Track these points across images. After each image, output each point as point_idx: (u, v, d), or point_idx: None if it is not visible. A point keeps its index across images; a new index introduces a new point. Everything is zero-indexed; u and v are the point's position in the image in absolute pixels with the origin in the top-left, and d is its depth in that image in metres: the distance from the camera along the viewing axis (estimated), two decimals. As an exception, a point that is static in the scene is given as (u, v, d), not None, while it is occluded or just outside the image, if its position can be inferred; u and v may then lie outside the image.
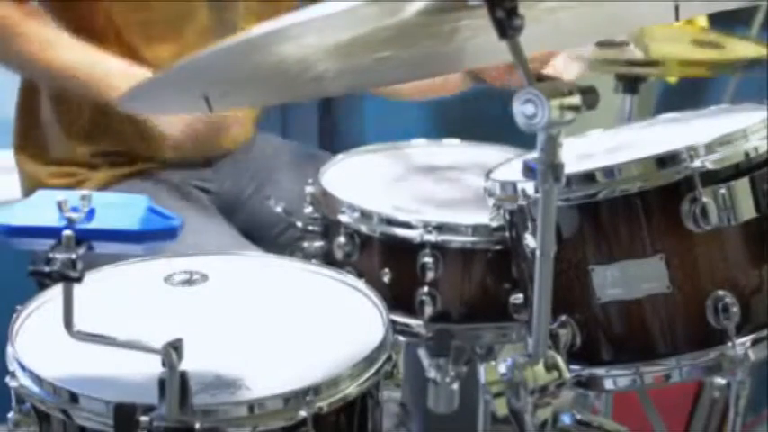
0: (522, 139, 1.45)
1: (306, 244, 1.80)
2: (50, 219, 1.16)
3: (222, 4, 1.93)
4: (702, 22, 2.46)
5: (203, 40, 1.88)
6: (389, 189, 1.82)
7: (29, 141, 1.99)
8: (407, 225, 1.67)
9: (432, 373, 1.86)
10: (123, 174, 1.95)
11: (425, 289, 1.66)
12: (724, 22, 2.46)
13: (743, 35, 2.60)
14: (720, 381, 1.71)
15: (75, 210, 1.16)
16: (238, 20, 1.93)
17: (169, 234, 1.20)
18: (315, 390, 1.23)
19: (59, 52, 1.81)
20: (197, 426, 1.16)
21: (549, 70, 1.79)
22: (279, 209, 1.86)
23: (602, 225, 1.44)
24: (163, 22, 1.89)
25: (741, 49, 2.29)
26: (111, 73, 1.77)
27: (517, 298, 1.64)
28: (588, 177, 1.42)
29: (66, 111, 1.94)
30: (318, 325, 1.41)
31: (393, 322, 1.41)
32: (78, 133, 1.94)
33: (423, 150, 2.03)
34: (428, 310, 1.66)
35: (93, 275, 1.37)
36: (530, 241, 1.46)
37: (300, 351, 1.34)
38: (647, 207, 1.42)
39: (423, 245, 1.65)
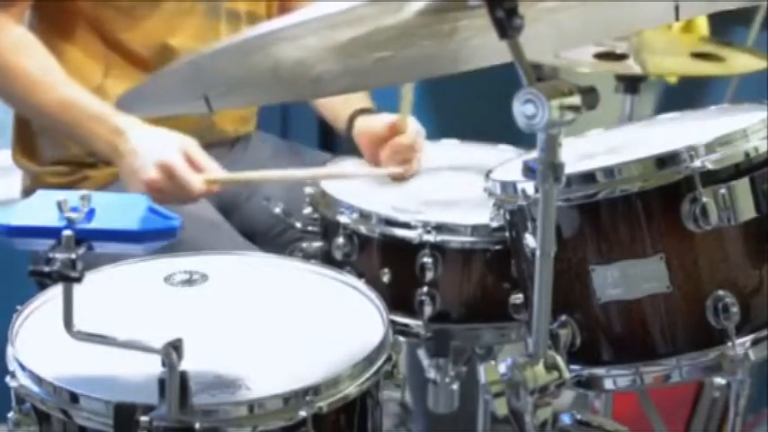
0: (522, 139, 1.45)
1: (305, 244, 1.80)
2: (50, 219, 1.16)
3: None
4: (703, 27, 2.47)
5: (185, 16, 1.88)
6: (388, 189, 1.82)
7: (26, 142, 1.99)
8: (407, 225, 1.67)
9: (431, 374, 1.86)
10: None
11: (425, 289, 1.66)
12: (723, 22, 2.46)
13: (742, 40, 2.59)
14: (720, 381, 1.70)
15: (74, 210, 1.16)
16: None
17: (169, 234, 1.20)
18: (315, 390, 1.23)
19: (47, 95, 1.78)
20: (197, 426, 1.16)
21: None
22: (278, 209, 1.86)
23: (602, 225, 1.44)
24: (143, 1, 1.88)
25: (740, 62, 2.29)
26: (86, 127, 1.75)
27: (517, 298, 1.64)
28: (588, 177, 1.42)
29: None
30: (318, 325, 1.41)
31: (393, 322, 1.41)
32: None
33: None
34: (428, 311, 1.66)
35: (93, 275, 1.37)
36: (530, 241, 1.46)
37: (300, 351, 1.34)
38: (647, 207, 1.42)
39: (422, 245, 1.65)
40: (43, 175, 1.95)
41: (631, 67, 2.20)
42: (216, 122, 1.98)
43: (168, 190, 1.69)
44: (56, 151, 1.95)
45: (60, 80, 1.79)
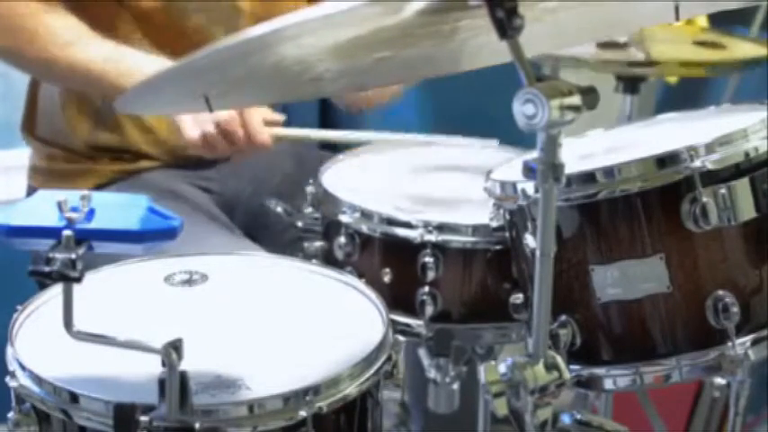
0: (522, 139, 1.45)
1: (306, 244, 1.80)
2: (50, 219, 1.16)
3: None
4: (703, 22, 2.47)
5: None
6: (390, 189, 1.82)
7: (33, 124, 2.00)
8: (408, 225, 1.67)
9: (432, 374, 1.86)
10: (124, 170, 1.95)
11: (426, 289, 1.66)
12: (724, 22, 2.46)
13: (743, 35, 2.60)
14: (720, 381, 1.70)
15: (75, 210, 1.16)
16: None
17: (169, 234, 1.20)
18: (315, 390, 1.23)
19: (79, 50, 1.81)
20: (197, 426, 1.16)
21: None
22: (279, 209, 1.86)
23: (602, 225, 1.44)
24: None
25: (742, 49, 2.29)
26: (123, 73, 1.77)
27: (517, 298, 1.64)
28: (588, 177, 1.42)
29: (74, 97, 1.95)
30: (318, 325, 1.41)
31: (393, 322, 1.41)
32: (82, 120, 1.95)
33: (423, 150, 2.03)
34: (428, 310, 1.66)
35: (93, 275, 1.37)
36: (530, 241, 1.46)
37: (300, 351, 1.34)
38: (647, 207, 1.42)
39: (423, 245, 1.65)
40: (47, 157, 1.96)
41: (634, 55, 2.20)
42: None
43: (233, 133, 1.75)
44: (61, 137, 1.96)
45: (99, 37, 1.82)
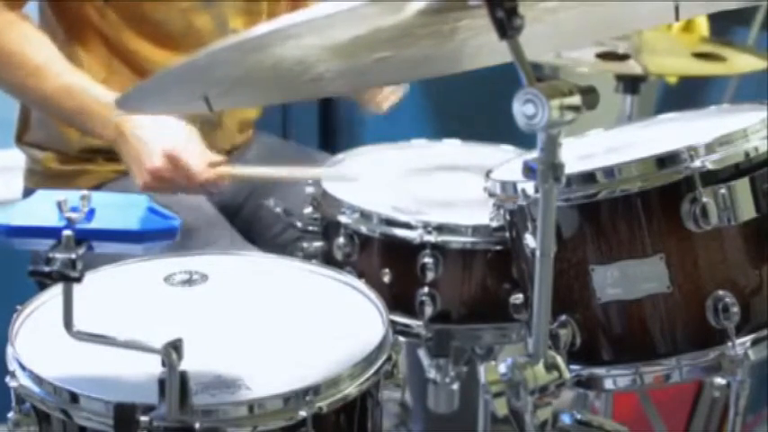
0: (522, 139, 1.45)
1: (306, 244, 1.80)
2: (50, 219, 1.16)
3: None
4: (703, 28, 2.47)
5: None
6: (389, 189, 1.82)
7: (27, 132, 2.00)
8: (407, 225, 1.67)
9: (432, 374, 1.86)
10: (120, 170, 1.95)
11: (425, 289, 1.66)
12: (724, 22, 2.46)
13: (742, 40, 2.60)
14: (720, 381, 1.70)
15: (74, 210, 1.16)
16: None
17: (169, 234, 1.20)
18: (315, 390, 1.23)
19: (50, 82, 1.80)
20: (197, 426, 1.16)
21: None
22: (279, 209, 1.86)
23: (602, 225, 1.44)
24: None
25: (741, 62, 2.29)
26: (93, 111, 1.77)
27: (517, 298, 1.63)
28: (588, 177, 1.42)
29: None
30: (318, 325, 1.41)
31: (393, 322, 1.41)
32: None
33: (423, 150, 2.03)
34: (428, 311, 1.66)
35: (93, 275, 1.37)
36: (530, 241, 1.46)
37: (300, 351, 1.34)
38: (647, 207, 1.42)
39: (423, 245, 1.65)
40: (43, 159, 1.96)
41: (633, 67, 2.20)
42: (217, 143, 1.98)
43: (171, 179, 1.72)
44: (56, 143, 1.96)
45: (66, 69, 1.81)
